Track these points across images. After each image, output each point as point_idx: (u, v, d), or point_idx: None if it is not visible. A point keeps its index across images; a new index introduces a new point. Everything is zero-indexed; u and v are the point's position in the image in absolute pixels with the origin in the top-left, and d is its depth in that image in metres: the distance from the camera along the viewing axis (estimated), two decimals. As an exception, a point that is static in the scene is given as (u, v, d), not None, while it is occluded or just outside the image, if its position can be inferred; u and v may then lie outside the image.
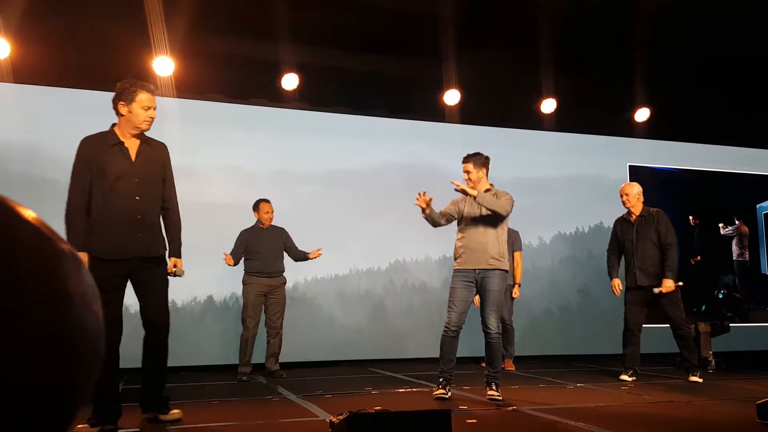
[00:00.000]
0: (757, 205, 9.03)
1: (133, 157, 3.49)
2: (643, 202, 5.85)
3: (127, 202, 3.43)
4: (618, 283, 5.84)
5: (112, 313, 3.28)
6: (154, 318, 3.55)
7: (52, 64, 6.25)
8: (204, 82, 6.88)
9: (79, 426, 3.29)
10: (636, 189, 5.83)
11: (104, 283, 3.18)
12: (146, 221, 3.48)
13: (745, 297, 8.65)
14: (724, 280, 8.06)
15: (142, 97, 3.46)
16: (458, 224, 4.69)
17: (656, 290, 5.55)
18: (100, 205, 3.42)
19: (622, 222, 5.92)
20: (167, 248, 3.64)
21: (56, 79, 6.39)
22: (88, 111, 6.64)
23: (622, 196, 5.86)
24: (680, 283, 5.66)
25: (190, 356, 6.36)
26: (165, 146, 3.69)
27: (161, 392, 3.63)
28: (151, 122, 3.53)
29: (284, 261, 6.10)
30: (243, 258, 5.93)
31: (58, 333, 0.43)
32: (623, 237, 5.85)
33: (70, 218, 3.42)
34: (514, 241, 6.46)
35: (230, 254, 5.85)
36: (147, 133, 3.59)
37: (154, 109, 3.53)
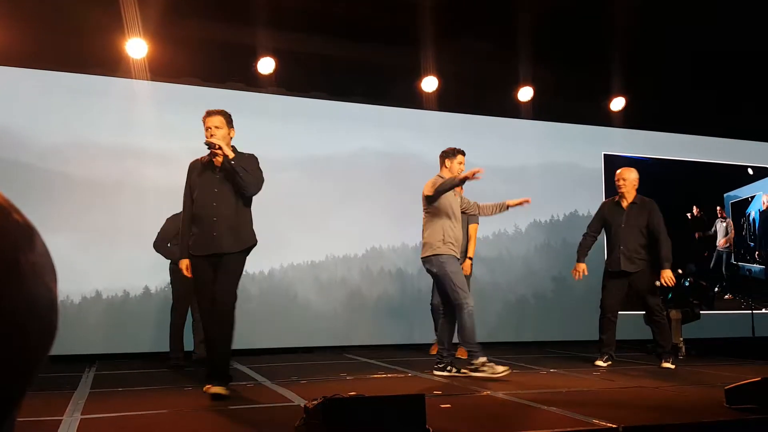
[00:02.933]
0: (725, 194, 9.18)
1: None
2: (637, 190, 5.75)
3: None
4: (583, 268, 5.76)
5: None
6: None
7: (23, 45, 6.09)
8: (178, 65, 6.76)
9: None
10: (634, 175, 5.73)
11: None
12: None
13: (710, 285, 8.80)
14: (689, 268, 8.17)
15: None
16: (446, 214, 4.99)
17: (657, 283, 5.55)
18: None
19: (612, 205, 5.82)
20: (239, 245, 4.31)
21: (27, 60, 6.23)
22: (60, 93, 6.51)
23: (618, 180, 5.76)
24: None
25: (160, 343, 6.30)
26: None
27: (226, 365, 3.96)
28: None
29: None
30: (168, 244, 5.58)
31: (8, 306, 0.41)
32: (611, 221, 5.75)
33: None
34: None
35: (158, 242, 5.60)
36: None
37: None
